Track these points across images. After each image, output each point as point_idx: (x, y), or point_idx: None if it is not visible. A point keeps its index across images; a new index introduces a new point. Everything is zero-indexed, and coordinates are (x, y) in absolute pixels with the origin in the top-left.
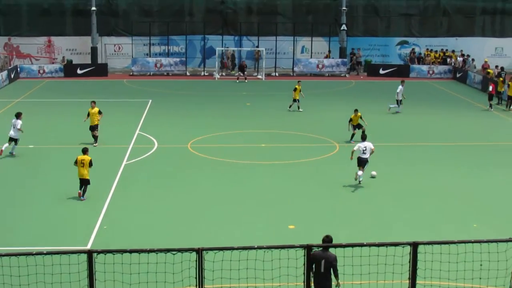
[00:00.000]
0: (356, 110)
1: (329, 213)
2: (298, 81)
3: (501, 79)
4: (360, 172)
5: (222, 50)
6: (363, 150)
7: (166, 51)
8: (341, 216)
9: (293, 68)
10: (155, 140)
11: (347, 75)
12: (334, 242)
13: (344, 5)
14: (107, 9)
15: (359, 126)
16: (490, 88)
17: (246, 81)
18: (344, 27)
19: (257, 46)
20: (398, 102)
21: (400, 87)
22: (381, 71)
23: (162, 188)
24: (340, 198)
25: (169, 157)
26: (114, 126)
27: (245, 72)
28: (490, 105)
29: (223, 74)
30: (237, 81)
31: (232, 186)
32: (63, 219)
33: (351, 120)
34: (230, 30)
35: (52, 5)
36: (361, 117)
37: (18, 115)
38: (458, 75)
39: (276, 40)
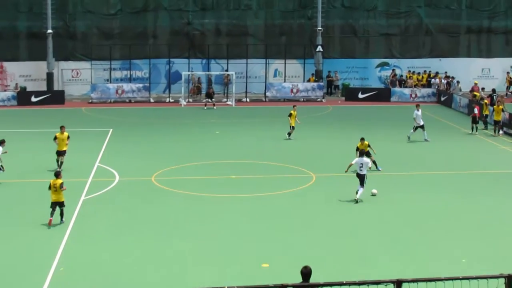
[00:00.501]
0: (362, 139)
1: (305, 249)
2: (294, 106)
3: (485, 101)
4: (361, 190)
5: (189, 74)
6: (360, 167)
7: (128, 76)
8: (319, 252)
9: (265, 93)
10: (116, 173)
11: (323, 99)
12: (312, 281)
13: (319, 25)
14: (64, 31)
15: (368, 154)
16: (475, 110)
17: (214, 107)
18: (319, 48)
19: (226, 70)
20: (421, 128)
21: (416, 111)
22: (360, 95)
23: (124, 225)
24: (317, 232)
25: (131, 191)
26: (72, 158)
27: (213, 99)
28: (475, 128)
29: (190, 100)
30: (205, 108)
31: (199, 222)
32: (16, 260)
33: (357, 149)
34: (197, 53)
35: (4, 28)
36: (369, 145)
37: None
38: (442, 99)
39: (246, 63)
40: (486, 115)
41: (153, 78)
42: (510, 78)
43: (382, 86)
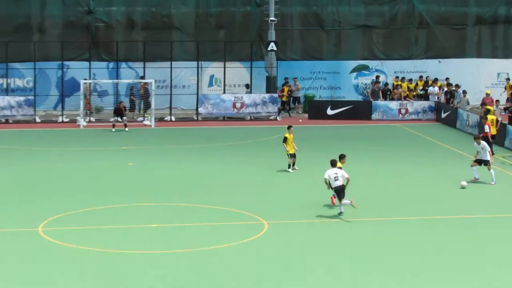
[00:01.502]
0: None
1: None
2: (289, 127)
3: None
4: (345, 202)
5: (90, 83)
6: (335, 177)
7: (4, 86)
8: None
9: (197, 109)
10: None
11: (278, 117)
12: None
13: (272, 15)
14: None
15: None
16: (486, 128)
17: (126, 129)
18: (272, 46)
19: (143, 77)
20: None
21: (476, 144)
22: (329, 111)
23: None
24: None
25: (10, 247)
26: None
27: (125, 117)
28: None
29: (92, 119)
30: (113, 130)
31: None
32: None
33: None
34: (101, 53)
35: None
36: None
37: None
38: (443, 115)
39: (171, 68)
40: (495, 135)
41: (40, 89)
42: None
43: (359, 98)
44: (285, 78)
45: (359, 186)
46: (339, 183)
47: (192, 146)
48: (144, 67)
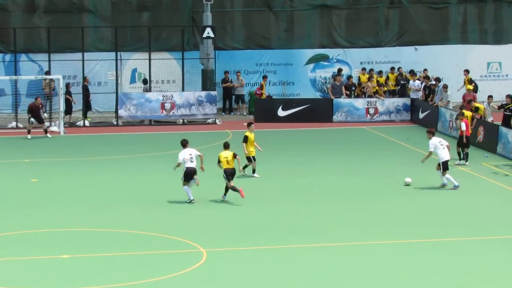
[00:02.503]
0: None
1: None
2: (249, 124)
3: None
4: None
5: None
6: (190, 159)
7: None
8: None
9: (116, 111)
10: None
11: (217, 121)
12: None
13: None
14: None
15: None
16: (463, 125)
17: (49, 135)
18: (208, 32)
19: (48, 72)
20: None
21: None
22: (281, 112)
23: None
24: None
25: None
26: None
27: (43, 119)
28: (462, 156)
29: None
30: (29, 137)
31: None
32: None
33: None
34: None
35: None
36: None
37: None
38: (421, 115)
39: (83, 60)
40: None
41: None
42: None
43: (318, 95)
44: (225, 72)
45: (313, 211)
46: (193, 164)
47: (108, 158)
48: (49, 60)
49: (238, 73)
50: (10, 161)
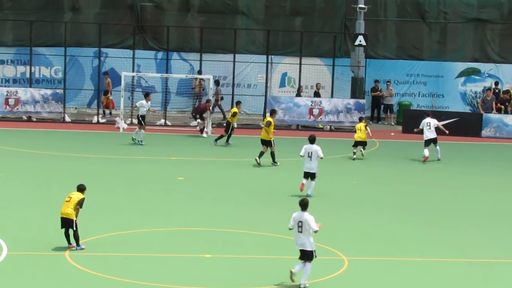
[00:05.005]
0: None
1: None
2: (237, 103)
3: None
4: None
5: (134, 76)
6: (309, 155)
7: (27, 75)
8: None
9: (264, 114)
10: (3, 243)
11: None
12: None
13: (362, 1)
14: None
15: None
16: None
17: (204, 135)
18: (361, 40)
19: (200, 72)
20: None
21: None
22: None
23: None
24: None
25: (29, 274)
26: None
27: (205, 119)
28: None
29: (134, 121)
30: (205, 136)
31: None
32: None
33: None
34: (148, 40)
35: None
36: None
37: None
38: None
39: (234, 61)
40: None
41: (71, 81)
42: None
43: (467, 109)
44: (375, 81)
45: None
46: (311, 165)
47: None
48: (200, 60)
49: (388, 83)
50: (157, 158)
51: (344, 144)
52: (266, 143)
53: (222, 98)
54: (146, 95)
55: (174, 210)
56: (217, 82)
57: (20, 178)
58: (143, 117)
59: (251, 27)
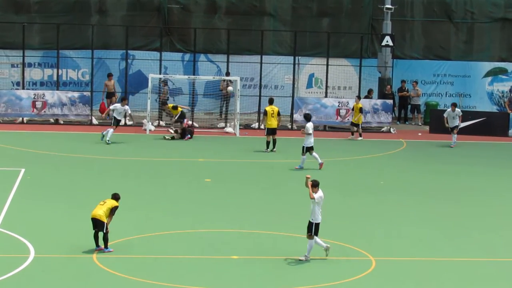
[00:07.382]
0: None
1: None
2: (271, 101)
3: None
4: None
5: (161, 78)
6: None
7: (54, 78)
8: None
9: (292, 115)
10: (30, 245)
11: (391, 129)
12: None
13: (389, 1)
14: None
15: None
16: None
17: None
18: (388, 41)
19: (228, 73)
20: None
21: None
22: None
23: None
24: None
25: (56, 277)
26: None
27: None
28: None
29: (162, 123)
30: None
31: None
32: None
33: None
34: (175, 42)
35: None
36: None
37: None
38: None
39: (261, 63)
40: None
41: (98, 83)
42: None
43: (494, 109)
44: (402, 81)
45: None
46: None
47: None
48: (227, 61)
49: (415, 83)
50: (181, 160)
51: (371, 144)
52: (274, 132)
53: (168, 99)
54: (122, 99)
55: (201, 212)
56: (164, 83)
57: (49, 182)
58: (117, 120)
59: (278, 28)
